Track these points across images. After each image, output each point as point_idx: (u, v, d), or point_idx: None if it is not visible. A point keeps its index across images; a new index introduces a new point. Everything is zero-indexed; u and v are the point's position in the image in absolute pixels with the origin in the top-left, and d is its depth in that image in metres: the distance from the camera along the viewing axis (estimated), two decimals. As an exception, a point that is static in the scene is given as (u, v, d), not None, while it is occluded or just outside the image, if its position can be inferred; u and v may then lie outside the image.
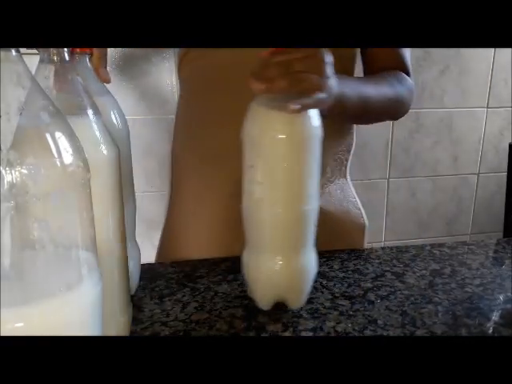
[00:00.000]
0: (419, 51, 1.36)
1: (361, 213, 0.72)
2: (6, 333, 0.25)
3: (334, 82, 0.48)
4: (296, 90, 0.43)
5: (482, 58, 1.41)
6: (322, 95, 0.44)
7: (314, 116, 0.45)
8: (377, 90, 0.60)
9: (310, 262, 0.49)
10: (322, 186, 0.66)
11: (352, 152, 0.71)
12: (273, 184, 0.45)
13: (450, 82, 1.41)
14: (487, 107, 1.47)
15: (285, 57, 0.45)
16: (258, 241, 0.48)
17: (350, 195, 0.71)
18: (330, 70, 0.46)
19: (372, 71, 0.66)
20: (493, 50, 1.41)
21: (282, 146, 0.44)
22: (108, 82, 0.47)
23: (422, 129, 1.43)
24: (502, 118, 1.49)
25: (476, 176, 1.53)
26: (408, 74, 0.66)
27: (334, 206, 0.68)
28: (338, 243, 0.67)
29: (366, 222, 0.72)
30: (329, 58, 0.46)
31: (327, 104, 0.47)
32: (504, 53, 1.42)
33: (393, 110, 0.64)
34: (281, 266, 0.47)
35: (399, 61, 0.65)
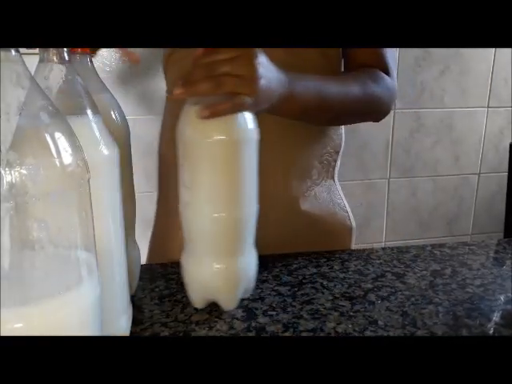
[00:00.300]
0: (419, 51, 1.36)
1: (348, 215, 0.71)
2: (5, 333, 0.25)
3: (271, 82, 0.46)
4: (217, 94, 0.42)
5: (482, 58, 1.41)
6: (245, 99, 0.43)
7: (249, 118, 0.45)
8: (342, 89, 0.57)
9: (244, 265, 0.48)
10: (308, 188, 0.66)
11: (341, 153, 0.70)
12: (200, 187, 0.45)
13: (451, 81, 1.41)
14: (487, 107, 1.47)
15: (211, 58, 0.43)
16: (188, 243, 0.49)
17: (337, 197, 0.70)
18: (262, 70, 0.44)
19: (350, 69, 0.65)
20: (493, 49, 1.41)
21: (211, 149, 0.43)
22: (138, 62, 0.46)
23: (422, 129, 1.43)
24: (503, 117, 1.49)
25: (477, 176, 1.53)
26: (388, 72, 0.63)
27: (319, 208, 0.67)
28: (323, 245, 0.66)
29: (354, 224, 0.72)
30: (261, 58, 0.45)
31: (257, 107, 0.45)
32: (504, 52, 1.42)
33: (367, 110, 0.62)
34: (210, 270, 0.47)
35: (379, 60, 0.63)
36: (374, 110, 0.63)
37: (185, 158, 0.45)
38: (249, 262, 0.49)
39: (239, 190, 0.45)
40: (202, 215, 0.46)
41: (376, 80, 0.61)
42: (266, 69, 0.46)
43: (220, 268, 0.47)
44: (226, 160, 0.44)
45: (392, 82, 0.64)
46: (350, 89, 0.58)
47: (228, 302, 0.49)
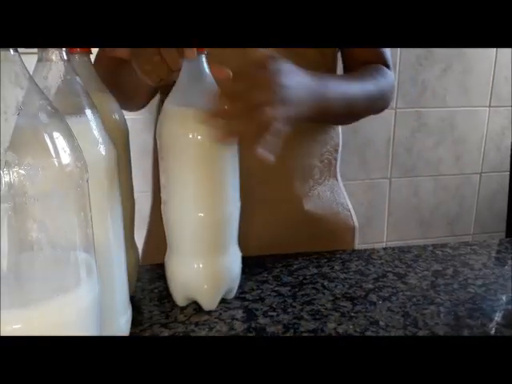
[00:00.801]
0: (421, 50, 1.35)
1: (350, 214, 0.71)
2: (4, 335, 0.25)
3: (301, 98, 0.46)
4: (255, 125, 0.41)
5: (484, 57, 1.41)
6: (279, 125, 0.41)
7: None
8: (362, 88, 0.58)
9: (225, 264, 0.48)
10: (311, 188, 0.66)
11: (340, 151, 0.70)
12: (175, 187, 0.45)
13: (453, 80, 1.40)
14: (489, 106, 1.46)
15: (232, 94, 0.42)
16: (169, 241, 0.49)
17: (340, 196, 0.70)
18: (291, 90, 0.43)
19: (352, 66, 0.65)
20: (495, 48, 1.41)
21: (186, 149, 0.43)
22: (194, 58, 0.44)
23: (424, 128, 1.42)
24: (504, 116, 1.48)
25: (478, 175, 1.52)
26: (388, 66, 0.65)
27: (322, 208, 0.67)
28: (326, 245, 0.66)
29: (356, 223, 0.71)
30: (285, 78, 0.43)
31: (291, 122, 0.44)
32: (506, 52, 1.41)
33: (377, 106, 0.63)
34: (189, 269, 0.47)
35: (379, 56, 0.64)
36: (382, 105, 0.64)
37: (162, 156, 0.46)
38: (231, 261, 0.49)
39: (216, 191, 0.45)
40: (179, 214, 0.46)
41: (383, 75, 0.62)
42: (294, 85, 0.45)
43: (199, 267, 0.47)
44: (200, 160, 0.44)
45: (391, 75, 0.65)
46: (366, 86, 0.59)
47: (207, 302, 0.49)
